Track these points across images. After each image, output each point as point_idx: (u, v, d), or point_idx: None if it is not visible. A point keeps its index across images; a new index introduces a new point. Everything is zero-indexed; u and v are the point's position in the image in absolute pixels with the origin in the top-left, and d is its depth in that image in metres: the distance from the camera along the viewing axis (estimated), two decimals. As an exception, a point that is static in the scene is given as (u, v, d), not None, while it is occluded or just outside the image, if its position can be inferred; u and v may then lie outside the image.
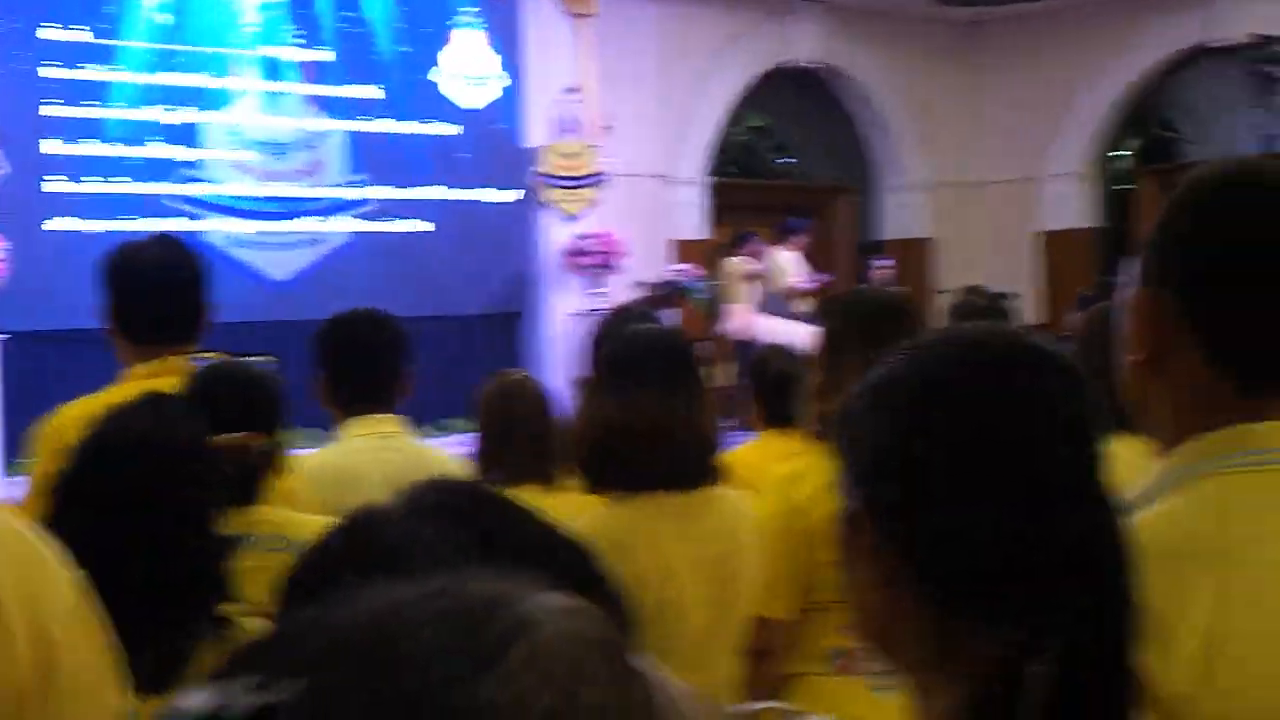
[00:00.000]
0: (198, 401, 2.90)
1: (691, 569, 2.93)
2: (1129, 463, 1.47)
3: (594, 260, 12.35)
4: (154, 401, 2.33)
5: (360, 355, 3.67)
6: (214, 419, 2.51)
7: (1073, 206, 15.15)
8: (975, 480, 1.23)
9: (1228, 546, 1.43)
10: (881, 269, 13.86)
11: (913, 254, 15.05)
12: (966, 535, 1.23)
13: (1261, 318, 1.47)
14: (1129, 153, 15.46)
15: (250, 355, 3.11)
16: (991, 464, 1.23)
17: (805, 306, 12.02)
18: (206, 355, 3.13)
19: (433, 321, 11.43)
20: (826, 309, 3.47)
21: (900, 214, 15.38)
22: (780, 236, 13.01)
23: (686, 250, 13.23)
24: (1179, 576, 1.40)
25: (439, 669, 0.54)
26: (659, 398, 2.80)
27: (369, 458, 3.51)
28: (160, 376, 3.14)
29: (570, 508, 3.18)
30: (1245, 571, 1.41)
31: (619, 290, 12.02)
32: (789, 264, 12.80)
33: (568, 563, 1.11)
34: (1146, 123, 15.26)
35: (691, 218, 13.65)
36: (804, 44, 14.39)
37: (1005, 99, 15.31)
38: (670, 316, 11.86)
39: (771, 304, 12.44)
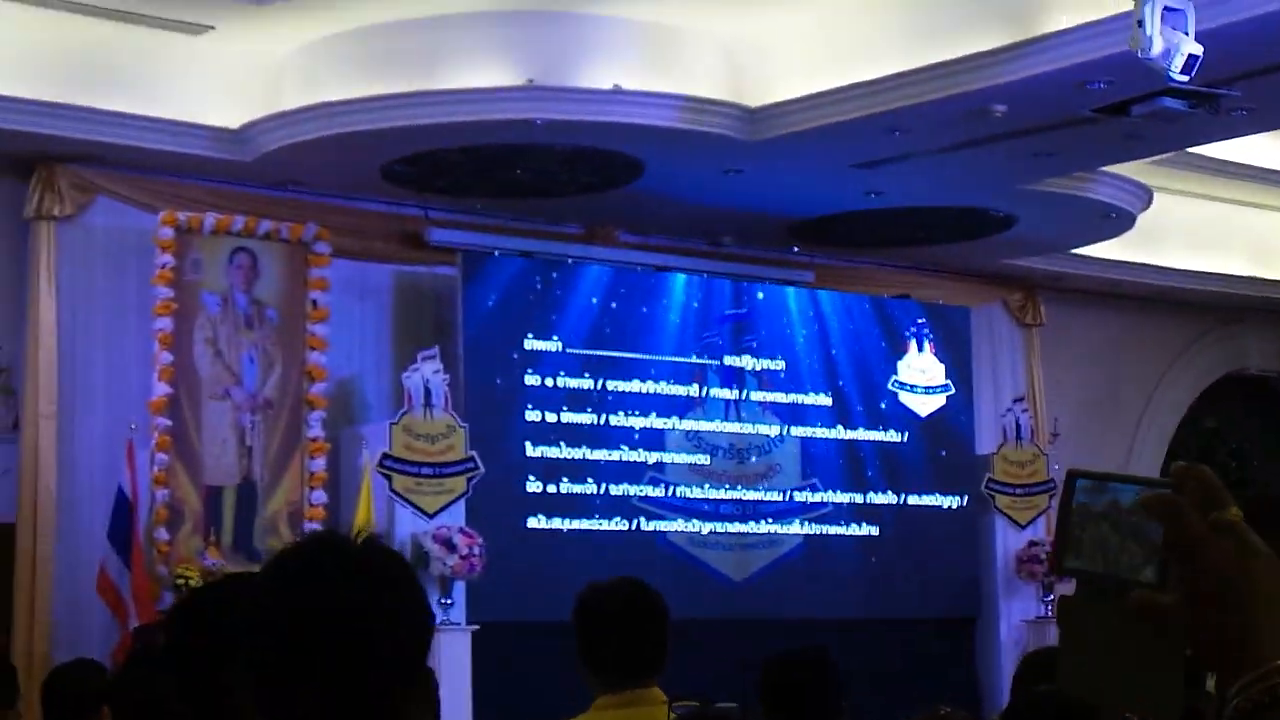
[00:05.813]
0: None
1: None
2: None
3: (1046, 568, 12.28)
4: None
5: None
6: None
7: None
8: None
9: None
10: None
11: None
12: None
13: None
14: None
15: (718, 704, 3.46)
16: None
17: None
18: (685, 703, 3.48)
19: (882, 625, 11.59)
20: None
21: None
22: None
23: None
24: None
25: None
26: None
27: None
28: (629, 708, 3.56)
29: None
30: None
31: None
32: None
33: None
34: None
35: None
36: (1255, 352, 14.16)
37: None
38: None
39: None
